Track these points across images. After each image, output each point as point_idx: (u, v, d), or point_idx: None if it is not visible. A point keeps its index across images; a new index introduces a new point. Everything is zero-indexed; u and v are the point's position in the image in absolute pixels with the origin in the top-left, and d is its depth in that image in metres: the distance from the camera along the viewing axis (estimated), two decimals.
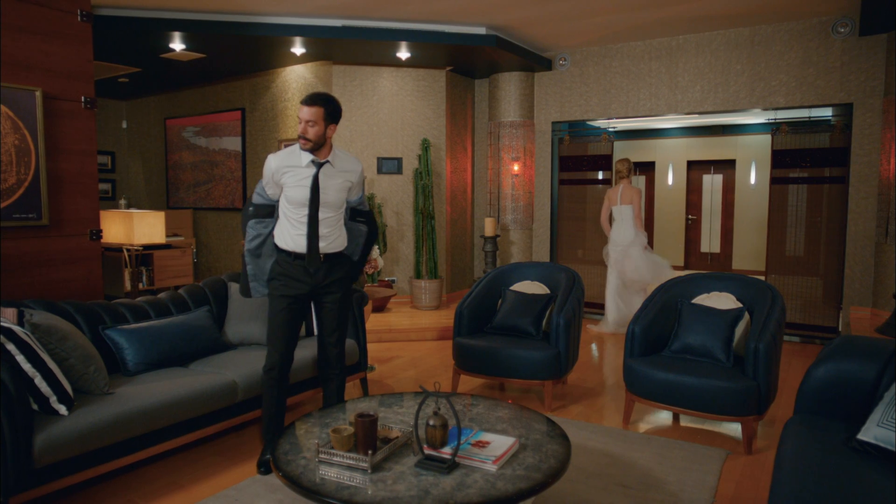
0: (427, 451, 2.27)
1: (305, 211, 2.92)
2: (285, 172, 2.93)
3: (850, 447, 2.25)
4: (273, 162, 2.95)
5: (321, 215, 2.94)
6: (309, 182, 2.90)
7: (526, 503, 2.32)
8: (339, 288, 3.09)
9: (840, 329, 5.75)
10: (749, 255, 10.63)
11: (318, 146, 2.89)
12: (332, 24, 5.72)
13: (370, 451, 2.20)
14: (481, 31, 5.96)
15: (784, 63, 5.82)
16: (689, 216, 11.36)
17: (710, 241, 11.24)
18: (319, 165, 2.92)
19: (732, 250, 10.95)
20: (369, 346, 5.63)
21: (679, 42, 6.32)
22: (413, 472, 2.19)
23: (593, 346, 5.85)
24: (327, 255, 3.02)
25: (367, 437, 2.26)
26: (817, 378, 2.65)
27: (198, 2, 5.22)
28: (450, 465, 2.18)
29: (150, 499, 2.78)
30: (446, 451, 2.26)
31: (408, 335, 6.00)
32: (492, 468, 2.20)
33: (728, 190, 11.04)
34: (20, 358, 2.51)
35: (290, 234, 2.98)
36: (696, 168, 11.27)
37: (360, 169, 3.11)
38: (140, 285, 6.30)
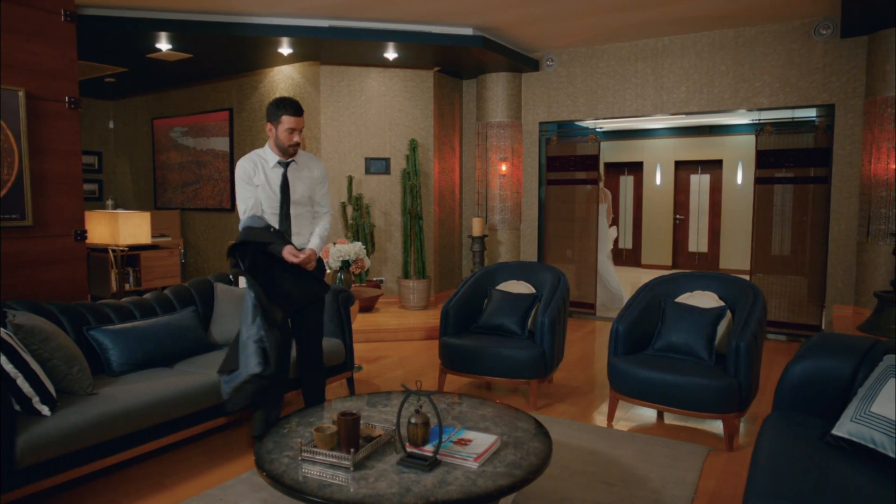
0: (409, 450, 2.29)
1: (276, 212, 3.08)
2: (258, 177, 3.06)
3: (825, 442, 2.29)
4: (247, 165, 3.06)
5: (292, 212, 3.11)
6: (279, 181, 3.08)
7: (507, 499, 2.34)
8: (311, 285, 3.15)
9: (823, 327, 5.82)
10: (736, 254, 10.72)
11: (290, 153, 3.09)
12: (319, 24, 5.73)
13: (352, 450, 2.22)
14: (468, 31, 5.99)
15: (767, 64, 5.88)
16: (677, 216, 11.45)
17: (697, 241, 11.33)
18: (286, 165, 3.10)
19: (720, 250, 11.05)
20: (357, 347, 5.64)
21: (664, 43, 6.37)
22: (395, 469, 2.21)
23: (580, 346, 5.88)
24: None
25: (349, 436, 2.27)
26: (795, 375, 2.69)
27: (184, 1, 5.21)
28: (431, 463, 2.20)
29: (134, 499, 2.78)
30: (428, 449, 2.28)
31: (395, 335, 6.02)
32: (473, 465, 2.22)
33: (715, 190, 11.13)
34: (2, 359, 2.51)
35: None
36: (683, 168, 11.36)
37: (321, 166, 3.29)
38: (127, 286, 6.28)
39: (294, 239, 3.11)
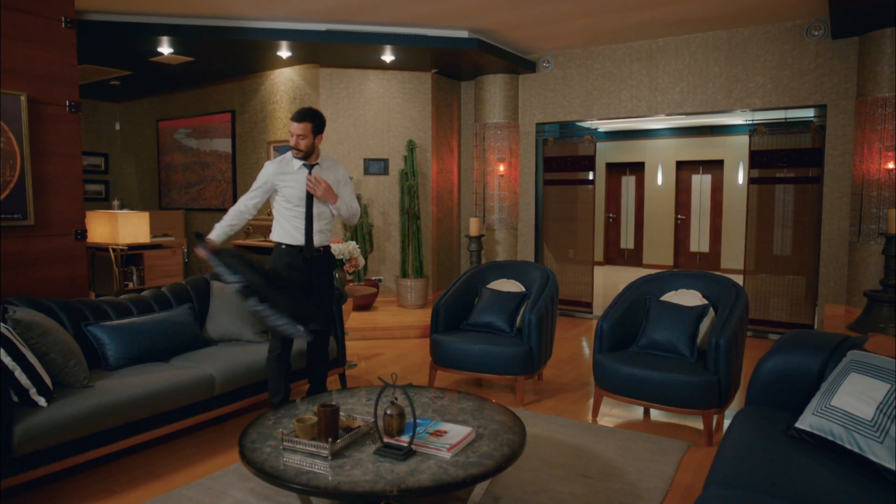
0: (386, 440, 2.38)
1: (303, 209, 3.35)
2: (281, 178, 3.35)
3: (789, 435, 2.36)
4: (270, 168, 3.38)
5: (315, 210, 3.38)
6: (303, 183, 3.35)
7: (481, 486, 2.43)
8: (326, 277, 3.52)
9: (815, 326, 5.86)
10: (738, 254, 10.71)
11: (309, 154, 3.37)
12: (316, 28, 5.84)
13: (330, 439, 2.31)
14: (463, 34, 6.07)
15: (760, 65, 5.93)
16: (679, 216, 11.47)
17: (699, 241, 11.35)
18: (310, 168, 3.39)
19: (721, 249, 11.07)
20: (355, 344, 5.76)
21: (659, 45, 6.43)
22: (371, 458, 2.30)
23: (575, 343, 5.95)
24: (322, 248, 3.46)
25: (328, 426, 2.37)
26: (766, 371, 2.76)
27: (183, 6, 5.34)
28: (406, 453, 2.30)
29: (127, 487, 2.89)
30: (404, 440, 2.37)
31: (392, 333, 6.12)
32: (446, 455, 2.31)
33: (717, 190, 11.15)
34: (1, 352, 2.62)
35: (288, 230, 3.38)
36: (685, 168, 11.39)
37: (343, 169, 3.57)
38: (130, 284, 6.42)
39: (316, 237, 3.39)
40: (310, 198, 3.35)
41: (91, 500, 2.76)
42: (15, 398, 2.66)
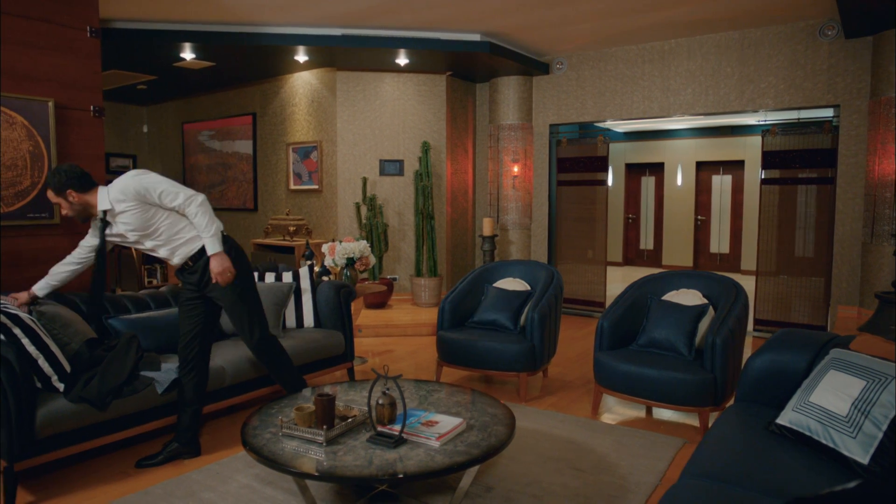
0: (379, 429, 2.51)
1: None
2: None
3: (770, 431, 2.42)
4: None
5: (138, 245, 3.12)
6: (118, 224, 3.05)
7: (470, 475, 2.54)
8: (219, 289, 3.16)
9: (828, 328, 5.82)
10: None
11: (83, 215, 3.04)
12: (332, 32, 6.00)
13: (326, 427, 2.45)
14: (475, 37, 6.18)
15: (773, 66, 5.91)
16: (699, 217, 11.40)
17: (719, 242, 11.27)
18: (104, 225, 3.04)
19: (741, 251, 10.97)
20: (368, 341, 5.91)
21: (671, 46, 6.45)
22: (364, 446, 2.43)
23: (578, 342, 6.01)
24: (183, 267, 3.16)
25: (325, 414, 2.50)
26: (755, 368, 2.81)
27: (203, 14, 5.55)
28: (397, 441, 2.42)
29: (141, 471, 3.06)
30: (396, 429, 2.49)
31: (405, 330, 6.25)
32: (435, 444, 2.42)
33: (737, 190, 11.06)
34: (25, 341, 2.82)
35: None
36: (705, 169, 11.32)
37: (114, 189, 2.97)
38: (154, 281, 6.68)
39: (173, 260, 3.14)
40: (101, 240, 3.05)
41: (106, 482, 2.94)
42: (38, 384, 2.85)
